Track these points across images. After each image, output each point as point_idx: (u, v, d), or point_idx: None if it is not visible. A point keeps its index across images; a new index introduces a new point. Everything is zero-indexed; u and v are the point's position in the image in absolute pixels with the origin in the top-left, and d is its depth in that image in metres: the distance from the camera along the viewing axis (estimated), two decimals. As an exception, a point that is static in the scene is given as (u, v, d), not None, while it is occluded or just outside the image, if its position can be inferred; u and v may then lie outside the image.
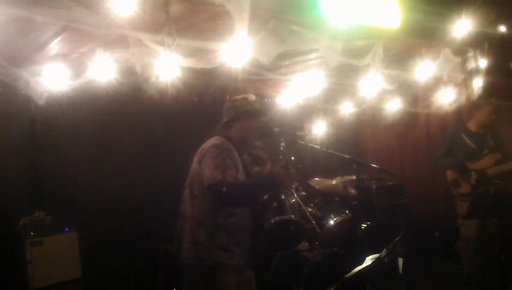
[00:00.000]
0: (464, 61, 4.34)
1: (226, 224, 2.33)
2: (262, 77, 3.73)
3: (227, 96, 2.94)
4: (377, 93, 4.21)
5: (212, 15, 2.76)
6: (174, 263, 2.47)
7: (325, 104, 5.22)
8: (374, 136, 6.20)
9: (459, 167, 3.98)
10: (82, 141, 4.07)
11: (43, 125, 3.85)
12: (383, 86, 4.00)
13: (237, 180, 2.33)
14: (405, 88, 4.52)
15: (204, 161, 2.33)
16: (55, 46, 3.03)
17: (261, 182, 2.44)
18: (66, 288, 3.45)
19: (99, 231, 4.01)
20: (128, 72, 3.13)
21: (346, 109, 5.27)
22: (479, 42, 4.24)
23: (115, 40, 2.80)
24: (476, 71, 4.38)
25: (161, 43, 2.55)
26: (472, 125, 4.09)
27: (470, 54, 4.35)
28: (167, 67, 2.78)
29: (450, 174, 4.07)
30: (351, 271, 2.12)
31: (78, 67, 3.07)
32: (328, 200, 4.22)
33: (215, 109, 2.63)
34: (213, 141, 2.44)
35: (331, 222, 3.96)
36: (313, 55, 3.70)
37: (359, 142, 6.40)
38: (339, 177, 4.34)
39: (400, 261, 4.44)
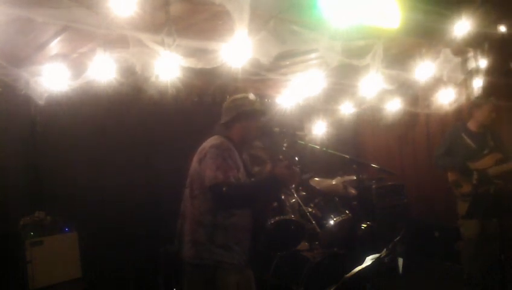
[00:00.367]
0: (464, 61, 4.35)
1: (226, 224, 2.33)
2: (262, 77, 3.73)
3: (227, 96, 2.94)
4: (377, 93, 4.22)
5: (212, 15, 2.77)
6: (174, 263, 2.47)
7: (325, 104, 5.22)
8: (374, 136, 6.20)
9: (459, 166, 3.97)
10: (82, 141, 4.07)
11: (43, 125, 3.85)
12: (383, 86, 4.00)
13: (239, 180, 2.33)
14: (405, 88, 4.52)
15: (205, 161, 2.32)
16: (55, 46, 3.03)
17: (264, 182, 2.43)
18: (66, 288, 3.45)
19: (99, 231, 4.01)
20: (128, 72, 3.13)
21: (346, 109, 5.27)
22: (479, 42, 4.25)
23: (115, 40, 2.80)
24: (476, 71, 4.38)
25: (161, 43, 2.55)
26: (472, 125, 4.09)
27: (470, 54, 4.35)
28: (167, 67, 2.78)
29: (451, 174, 4.07)
30: (351, 271, 2.12)
31: (78, 67, 3.07)
32: (328, 200, 4.21)
33: (215, 109, 2.62)
34: (213, 140, 2.44)
35: (331, 222, 3.96)
36: (313, 55, 3.70)
37: (359, 142, 6.40)
38: (339, 177, 4.34)
39: (400, 261, 4.44)
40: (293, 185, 3.97)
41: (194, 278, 2.36)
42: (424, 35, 3.80)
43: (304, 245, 3.87)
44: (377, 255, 2.24)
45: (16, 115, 3.76)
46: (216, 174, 2.24)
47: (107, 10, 2.28)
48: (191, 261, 2.34)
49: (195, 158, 2.44)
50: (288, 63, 3.82)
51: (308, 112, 5.38)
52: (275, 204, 3.63)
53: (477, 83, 4.41)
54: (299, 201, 3.91)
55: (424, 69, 4.01)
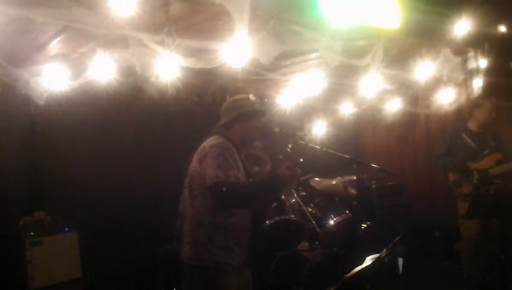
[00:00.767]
0: (464, 61, 4.35)
1: (226, 224, 2.32)
2: (262, 77, 3.73)
3: (227, 96, 2.95)
4: (377, 93, 4.22)
5: (212, 15, 2.77)
6: (174, 263, 2.46)
7: (325, 104, 5.23)
8: (374, 136, 6.20)
9: (460, 166, 3.97)
10: (82, 141, 4.07)
11: (43, 125, 3.85)
12: (383, 86, 4.00)
13: (239, 180, 2.32)
14: (405, 88, 4.52)
15: (206, 161, 2.31)
16: (55, 46, 3.03)
17: (265, 182, 2.42)
18: (66, 288, 3.45)
19: (99, 231, 4.01)
20: (128, 72, 3.13)
21: (346, 109, 5.27)
22: (479, 42, 4.25)
23: (115, 40, 2.80)
24: (476, 71, 4.38)
25: (161, 43, 2.55)
26: (472, 125, 4.08)
27: (470, 54, 4.35)
28: (167, 67, 2.78)
29: (451, 174, 4.06)
30: (351, 271, 2.12)
31: (78, 67, 3.07)
32: (328, 200, 4.21)
33: (215, 109, 2.62)
34: (213, 140, 2.43)
35: (331, 222, 3.96)
36: (313, 55, 3.70)
37: (359, 142, 6.40)
38: (339, 177, 4.33)
39: (400, 261, 4.44)
40: (293, 186, 3.97)
41: (194, 279, 2.35)
42: (424, 35, 3.80)
43: (303, 245, 3.87)
44: (377, 255, 2.24)
45: (16, 115, 3.76)
46: (217, 173, 2.23)
47: (107, 10, 2.28)
48: (191, 262, 2.32)
49: (195, 158, 2.43)
50: (288, 63, 3.82)
51: (308, 112, 5.38)
52: (275, 204, 3.63)
53: (477, 83, 4.41)
54: (299, 201, 3.91)
55: (424, 69, 4.01)
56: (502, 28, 4.22)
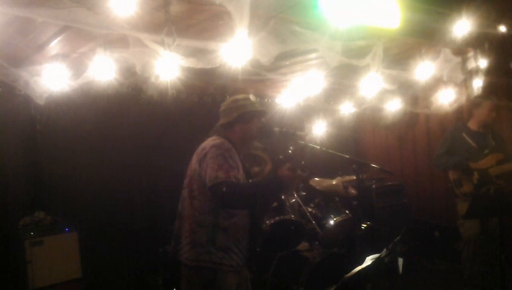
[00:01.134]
0: (464, 61, 4.34)
1: (226, 224, 2.31)
2: (262, 77, 3.73)
3: (227, 96, 2.95)
4: (377, 93, 4.22)
5: (213, 15, 2.77)
6: (174, 263, 2.45)
7: (325, 104, 5.23)
8: (374, 136, 6.20)
9: (460, 166, 3.97)
10: (82, 141, 4.07)
11: (43, 125, 3.85)
12: (383, 86, 4.00)
13: (240, 180, 2.31)
14: (405, 88, 4.52)
15: (206, 162, 2.29)
16: (55, 46, 3.04)
17: (267, 183, 2.41)
18: (66, 288, 3.45)
19: (99, 231, 4.01)
20: (128, 72, 3.13)
21: (346, 109, 5.28)
22: (479, 42, 4.25)
23: (115, 40, 2.81)
24: (476, 71, 4.37)
25: (161, 43, 2.55)
26: (473, 125, 4.08)
27: (470, 54, 4.35)
28: (167, 68, 2.78)
29: (452, 174, 4.06)
30: (351, 271, 2.12)
31: (78, 67, 3.07)
32: (328, 200, 4.21)
33: (215, 109, 2.61)
34: (213, 140, 2.41)
35: (331, 222, 3.96)
36: (313, 55, 3.70)
37: (359, 142, 6.40)
38: (339, 177, 4.33)
39: (400, 261, 4.44)
40: (295, 188, 3.97)
41: (193, 280, 2.34)
42: (424, 35, 3.80)
43: (303, 245, 3.87)
44: (377, 255, 2.24)
45: (16, 115, 3.76)
46: (218, 174, 2.21)
47: (107, 10, 2.29)
48: (190, 263, 2.31)
49: (194, 158, 2.41)
50: (288, 63, 3.82)
51: (308, 112, 5.38)
52: (275, 204, 3.63)
53: (477, 83, 4.40)
54: (299, 201, 3.91)
55: (424, 69, 4.01)
56: (502, 28, 4.22)
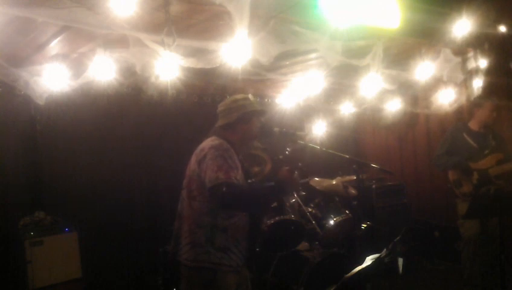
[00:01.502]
0: (464, 61, 4.34)
1: (225, 225, 2.31)
2: (262, 77, 3.73)
3: (227, 97, 2.95)
4: (377, 93, 4.22)
5: (213, 15, 2.77)
6: (174, 264, 2.45)
7: (325, 104, 5.23)
8: (374, 136, 6.20)
9: (460, 166, 3.97)
10: (82, 141, 4.08)
11: (43, 125, 3.85)
12: (383, 86, 4.00)
13: (239, 181, 2.31)
14: (405, 88, 4.52)
15: (205, 163, 2.28)
16: (55, 46, 3.04)
17: (268, 185, 2.39)
18: (66, 288, 3.45)
19: (99, 231, 4.01)
20: (128, 72, 3.13)
21: (346, 109, 5.28)
22: (479, 42, 4.24)
23: (115, 40, 2.80)
24: (476, 71, 4.37)
25: (161, 43, 2.55)
26: (474, 125, 4.08)
27: (470, 54, 4.34)
28: (167, 68, 2.78)
29: (452, 174, 4.06)
30: (351, 271, 2.12)
31: (78, 67, 3.07)
32: (328, 200, 4.21)
33: (215, 109, 2.61)
34: (212, 141, 2.39)
35: (331, 222, 3.96)
36: (313, 55, 3.70)
37: (359, 142, 6.40)
38: (339, 177, 4.33)
39: (400, 261, 4.44)
40: (296, 190, 3.97)
41: (193, 280, 2.33)
42: (424, 35, 3.80)
43: (303, 245, 3.87)
44: (377, 255, 2.24)
45: (16, 115, 3.76)
46: (217, 175, 2.20)
47: (107, 10, 2.28)
48: (189, 264, 2.30)
49: (193, 159, 2.40)
50: (288, 63, 3.82)
51: (308, 112, 5.38)
52: (275, 204, 3.63)
53: (477, 83, 4.40)
54: (299, 201, 3.91)
55: (424, 69, 4.01)
56: (502, 28, 4.22)
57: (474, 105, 4.14)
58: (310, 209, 4.00)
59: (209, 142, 2.38)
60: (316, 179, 4.40)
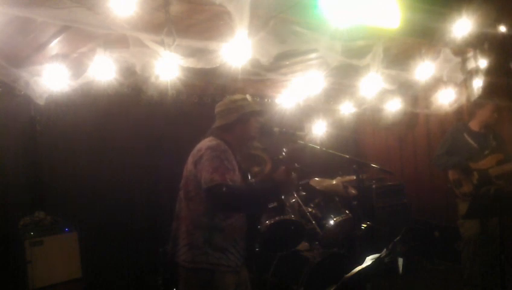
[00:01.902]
0: (464, 61, 4.34)
1: (223, 225, 2.30)
2: (262, 77, 3.73)
3: (227, 97, 2.95)
4: (377, 93, 4.22)
5: (213, 15, 2.77)
6: (172, 265, 2.44)
7: (325, 104, 5.23)
8: (374, 136, 6.20)
9: (460, 166, 3.97)
10: (82, 141, 4.07)
11: (43, 125, 3.85)
12: (383, 86, 4.00)
13: (235, 182, 2.29)
14: (405, 88, 4.52)
15: (202, 163, 2.26)
16: (55, 46, 3.03)
17: (264, 186, 2.37)
18: (66, 288, 3.45)
19: (99, 231, 4.01)
20: (128, 72, 3.13)
21: (346, 109, 5.28)
22: (479, 42, 4.24)
23: (115, 40, 2.81)
24: (476, 71, 4.37)
25: (161, 43, 2.55)
26: (474, 125, 4.08)
27: (470, 54, 4.35)
28: (167, 68, 2.78)
29: (452, 174, 4.06)
30: (351, 271, 2.12)
31: (78, 67, 3.07)
32: (328, 200, 4.21)
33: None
34: (209, 142, 2.37)
35: (331, 222, 3.96)
36: (313, 55, 3.70)
37: (359, 142, 6.40)
38: (339, 177, 4.33)
39: (400, 261, 4.43)
40: (293, 191, 3.96)
41: (191, 281, 2.32)
42: (424, 35, 3.80)
43: (303, 245, 3.87)
44: (377, 255, 2.24)
45: (16, 115, 3.76)
46: (213, 177, 2.18)
47: (107, 10, 2.28)
48: (187, 265, 2.30)
49: (190, 160, 2.37)
50: (288, 63, 3.82)
51: (308, 112, 5.38)
52: (275, 204, 3.62)
53: (477, 83, 4.40)
54: (299, 201, 3.91)
55: (424, 69, 4.01)
56: (502, 28, 4.22)
57: (475, 105, 4.14)
58: (310, 209, 4.00)
59: (206, 143, 2.36)
60: (316, 179, 4.40)
